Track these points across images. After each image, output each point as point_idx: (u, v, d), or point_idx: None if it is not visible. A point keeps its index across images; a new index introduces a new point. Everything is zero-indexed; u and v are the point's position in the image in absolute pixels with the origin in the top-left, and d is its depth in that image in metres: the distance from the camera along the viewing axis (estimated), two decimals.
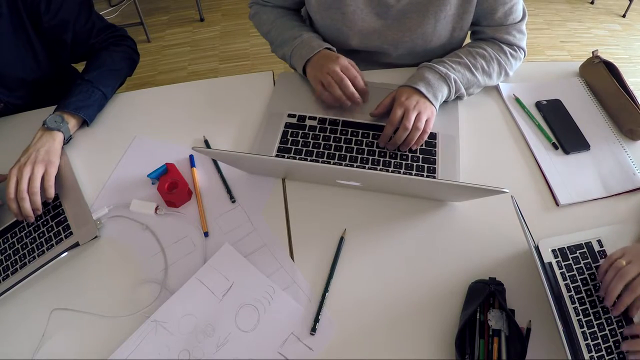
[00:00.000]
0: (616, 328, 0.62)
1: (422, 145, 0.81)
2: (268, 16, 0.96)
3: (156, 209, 0.75)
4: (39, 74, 0.95)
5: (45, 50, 0.93)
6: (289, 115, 0.86)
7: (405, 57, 0.96)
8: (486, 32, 0.89)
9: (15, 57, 0.89)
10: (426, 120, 0.78)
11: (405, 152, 0.80)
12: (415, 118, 0.77)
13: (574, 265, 0.67)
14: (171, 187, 0.75)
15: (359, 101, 0.82)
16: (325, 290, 0.66)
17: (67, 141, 0.84)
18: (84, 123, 0.88)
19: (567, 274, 0.66)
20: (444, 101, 0.84)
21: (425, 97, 0.80)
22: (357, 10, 0.86)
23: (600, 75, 0.89)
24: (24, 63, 0.91)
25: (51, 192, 0.75)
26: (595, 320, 0.62)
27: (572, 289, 0.65)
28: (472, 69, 0.84)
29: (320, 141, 0.82)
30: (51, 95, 0.98)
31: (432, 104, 0.80)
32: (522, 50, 0.91)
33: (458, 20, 0.87)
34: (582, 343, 0.61)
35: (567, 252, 0.68)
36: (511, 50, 0.89)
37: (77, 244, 0.71)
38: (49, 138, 0.80)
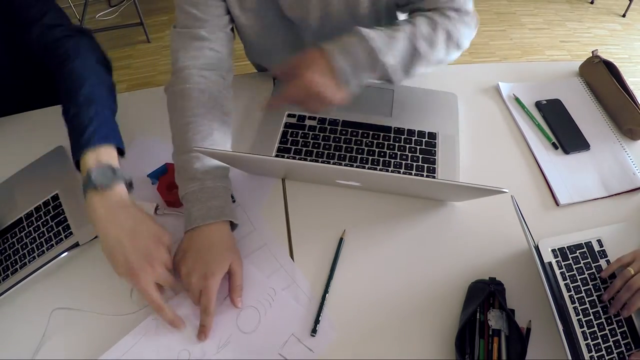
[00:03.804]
0: (616, 328, 0.62)
1: (422, 145, 0.81)
2: (186, 102, 0.72)
3: (156, 208, 0.75)
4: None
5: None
6: (289, 115, 0.86)
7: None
8: (424, 3, 0.74)
9: None
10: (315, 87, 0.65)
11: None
12: (307, 84, 0.65)
13: (574, 265, 0.67)
14: (171, 187, 0.75)
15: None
16: (326, 291, 0.66)
17: (130, 185, 0.66)
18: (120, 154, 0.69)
19: (567, 274, 0.66)
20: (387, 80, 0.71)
21: (331, 58, 0.66)
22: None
23: (600, 75, 0.89)
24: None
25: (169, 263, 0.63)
26: (595, 320, 0.62)
27: (572, 288, 0.65)
28: (412, 39, 0.68)
29: (320, 141, 0.82)
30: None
31: (334, 67, 0.66)
32: (469, 14, 0.74)
33: (376, 3, 0.77)
34: (582, 343, 0.61)
35: (567, 252, 0.68)
36: (456, 15, 0.72)
37: (77, 244, 0.71)
38: (118, 204, 0.61)
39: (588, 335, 0.61)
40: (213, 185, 0.68)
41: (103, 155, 0.64)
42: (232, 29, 0.83)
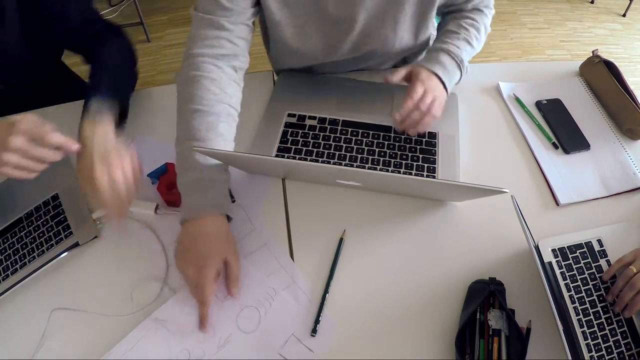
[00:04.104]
0: (616, 328, 0.62)
1: (422, 145, 0.81)
2: (198, 90, 0.72)
3: (156, 208, 0.75)
4: (35, 52, 0.87)
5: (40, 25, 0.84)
6: (289, 115, 0.86)
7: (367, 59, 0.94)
8: (463, 7, 0.87)
9: (18, 32, 0.82)
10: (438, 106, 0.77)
11: (413, 135, 0.80)
12: (430, 102, 0.76)
13: (574, 265, 0.67)
14: (171, 186, 0.75)
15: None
16: (326, 291, 0.66)
17: (122, 119, 0.73)
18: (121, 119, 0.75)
19: (567, 274, 0.66)
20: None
21: (442, 82, 0.79)
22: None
23: (601, 74, 0.89)
24: (26, 38, 0.84)
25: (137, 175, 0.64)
26: (595, 320, 0.62)
27: (572, 288, 0.65)
28: (470, 41, 0.83)
29: (320, 141, 0.82)
30: (43, 81, 0.94)
31: (445, 90, 0.80)
32: (492, 9, 0.90)
33: (418, 21, 0.84)
34: (582, 343, 0.61)
35: (567, 251, 0.68)
36: (487, 10, 0.88)
37: (77, 244, 0.71)
38: (101, 128, 0.65)
39: (588, 335, 0.61)
40: (211, 176, 0.68)
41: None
42: (253, 22, 0.82)
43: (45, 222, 0.75)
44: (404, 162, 0.79)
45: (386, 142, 0.82)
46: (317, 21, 0.82)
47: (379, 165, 0.79)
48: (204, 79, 0.72)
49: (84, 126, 0.65)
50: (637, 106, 0.82)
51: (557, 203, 0.75)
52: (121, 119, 0.75)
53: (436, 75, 0.79)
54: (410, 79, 0.79)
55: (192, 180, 0.67)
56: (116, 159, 0.62)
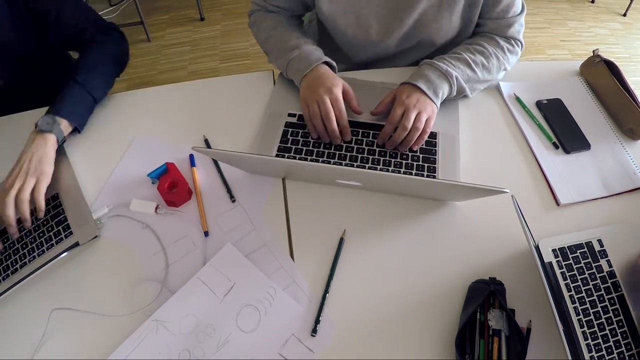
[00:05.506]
0: (616, 328, 0.62)
1: (422, 145, 0.81)
2: (268, 23, 0.93)
3: (156, 208, 0.75)
4: (32, 49, 0.94)
5: (35, 25, 0.91)
6: (289, 115, 0.86)
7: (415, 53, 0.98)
8: (487, 24, 0.89)
9: (10, 30, 0.88)
10: (426, 120, 0.78)
11: (405, 152, 0.80)
12: (415, 118, 0.77)
13: (574, 265, 0.67)
14: (171, 186, 0.75)
15: (339, 141, 0.81)
16: (326, 291, 0.66)
17: (61, 143, 0.81)
18: (75, 130, 0.84)
19: (567, 274, 0.66)
20: (445, 99, 0.84)
21: (426, 94, 0.80)
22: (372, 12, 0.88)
23: (601, 74, 0.89)
24: (18, 36, 0.90)
25: (41, 204, 0.73)
26: (595, 320, 0.62)
27: (572, 288, 0.65)
28: (472, 64, 0.84)
29: (320, 141, 0.82)
30: (46, 77, 1.00)
31: (433, 102, 0.80)
32: (519, 43, 0.91)
33: (468, 12, 0.88)
34: (582, 343, 0.61)
35: (568, 251, 0.68)
36: (508, 45, 0.88)
37: (77, 244, 0.71)
38: (41, 142, 0.77)
39: (588, 335, 0.61)
40: (309, 48, 0.86)
41: (58, 119, 0.80)
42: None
43: (45, 222, 0.75)
44: (404, 162, 0.79)
45: (387, 142, 0.82)
46: (376, 5, 0.88)
47: (379, 165, 0.79)
48: (267, 14, 0.95)
49: (29, 136, 0.78)
50: (638, 106, 0.82)
51: (557, 203, 0.75)
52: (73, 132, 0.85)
53: (418, 88, 0.80)
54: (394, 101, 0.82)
55: (294, 57, 0.85)
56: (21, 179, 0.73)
